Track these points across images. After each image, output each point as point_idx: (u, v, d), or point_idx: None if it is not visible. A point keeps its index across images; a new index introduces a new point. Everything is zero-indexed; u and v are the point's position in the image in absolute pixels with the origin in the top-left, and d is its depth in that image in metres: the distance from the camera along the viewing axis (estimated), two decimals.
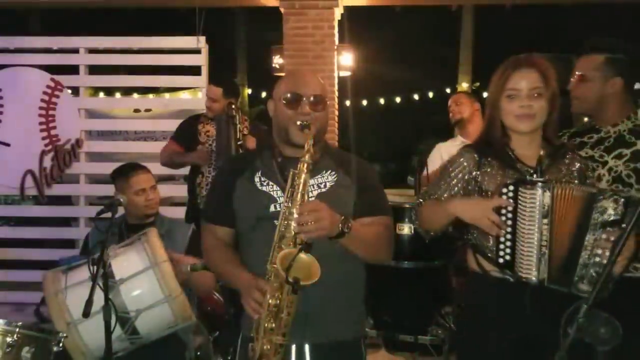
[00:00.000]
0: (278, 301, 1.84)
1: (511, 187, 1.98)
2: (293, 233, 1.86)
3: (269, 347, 1.88)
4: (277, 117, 2.09)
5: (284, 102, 2.04)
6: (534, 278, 1.97)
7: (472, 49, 11.67)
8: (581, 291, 1.90)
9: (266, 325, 1.86)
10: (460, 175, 2.15)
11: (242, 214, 2.08)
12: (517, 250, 1.98)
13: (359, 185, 2.08)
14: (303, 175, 1.89)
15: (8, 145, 5.43)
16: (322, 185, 2.05)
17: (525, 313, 2.02)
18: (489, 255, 2.07)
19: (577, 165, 2.15)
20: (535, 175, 1.97)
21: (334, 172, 2.08)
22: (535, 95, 2.06)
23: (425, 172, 3.51)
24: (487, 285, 2.10)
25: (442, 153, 4.21)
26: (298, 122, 2.00)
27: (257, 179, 2.07)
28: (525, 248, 1.97)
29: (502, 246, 2.01)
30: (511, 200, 1.98)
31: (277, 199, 2.02)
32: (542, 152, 2.05)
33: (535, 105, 2.06)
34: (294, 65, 5.63)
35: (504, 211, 1.98)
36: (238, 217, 2.10)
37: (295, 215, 1.86)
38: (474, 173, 2.13)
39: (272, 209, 2.02)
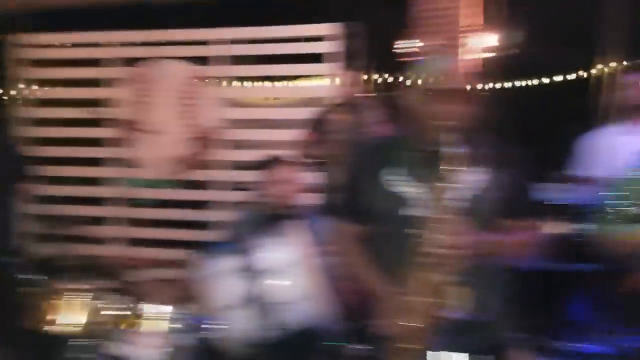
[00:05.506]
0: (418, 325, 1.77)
1: None
2: (435, 253, 1.74)
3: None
4: (415, 111, 1.97)
5: (426, 99, 1.92)
6: None
7: (620, 28, 10.78)
8: None
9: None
10: None
11: (375, 215, 2.02)
12: None
13: (501, 183, 1.92)
14: (441, 187, 1.77)
15: (155, 133, 5.81)
16: (461, 189, 1.88)
17: None
18: None
19: None
20: None
21: (474, 170, 1.91)
22: None
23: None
24: None
25: (613, 142, 3.78)
26: (439, 124, 1.85)
27: (388, 178, 1.98)
28: None
29: None
30: None
31: (410, 200, 1.92)
32: None
33: None
34: (430, 49, 5.43)
35: None
36: (370, 219, 2.04)
37: (435, 234, 1.74)
38: None
39: (404, 212, 1.92)
